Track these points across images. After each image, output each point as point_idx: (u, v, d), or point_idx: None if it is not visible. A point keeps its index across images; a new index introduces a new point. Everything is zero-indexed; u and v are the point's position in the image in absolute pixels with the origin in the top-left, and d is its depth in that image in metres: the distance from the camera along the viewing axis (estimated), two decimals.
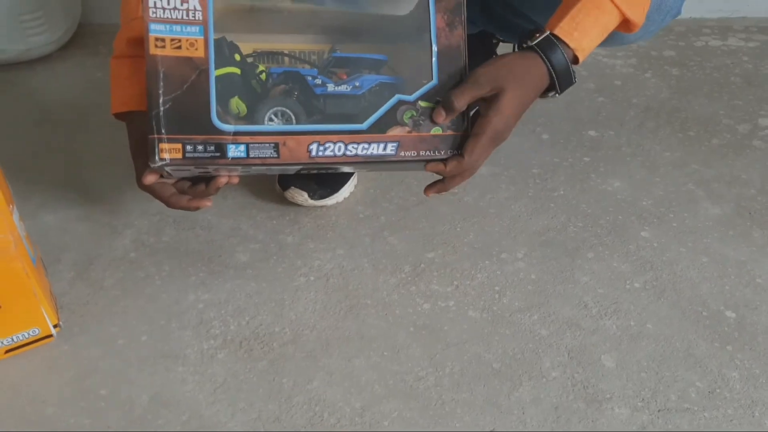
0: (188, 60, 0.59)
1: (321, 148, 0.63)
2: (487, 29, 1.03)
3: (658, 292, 0.78)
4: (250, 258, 0.81)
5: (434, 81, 0.65)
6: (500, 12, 0.96)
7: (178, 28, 0.59)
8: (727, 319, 0.75)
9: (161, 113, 0.59)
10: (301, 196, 0.86)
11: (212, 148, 0.60)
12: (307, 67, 0.63)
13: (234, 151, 0.60)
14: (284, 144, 0.62)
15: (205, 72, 0.60)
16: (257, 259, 0.81)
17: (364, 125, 0.63)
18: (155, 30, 0.59)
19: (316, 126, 0.63)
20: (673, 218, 0.88)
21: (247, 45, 0.62)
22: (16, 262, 0.64)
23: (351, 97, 0.63)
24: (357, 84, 0.63)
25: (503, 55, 0.65)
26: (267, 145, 0.61)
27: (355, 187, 0.91)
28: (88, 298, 0.76)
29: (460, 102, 0.63)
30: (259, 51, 0.62)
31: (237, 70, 0.61)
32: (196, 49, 0.60)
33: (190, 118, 0.59)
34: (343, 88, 0.63)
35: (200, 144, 0.59)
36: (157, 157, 0.59)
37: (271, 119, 0.62)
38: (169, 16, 0.59)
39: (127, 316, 0.74)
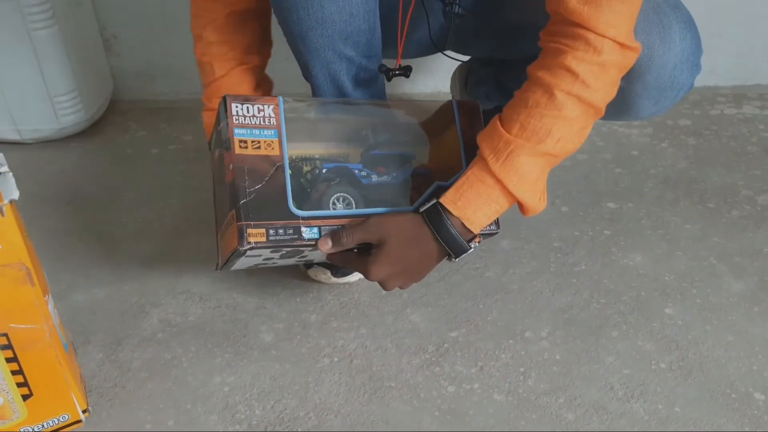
0: (266, 158, 0.70)
1: None
2: (502, 105, 1.06)
3: (685, 373, 0.77)
4: (275, 338, 0.82)
5: (464, 168, 0.75)
6: (514, 88, 0.99)
7: (257, 132, 0.70)
8: (756, 401, 0.74)
9: (248, 203, 0.68)
10: (324, 275, 0.87)
11: (291, 231, 0.69)
12: (353, 162, 0.75)
13: (308, 233, 0.70)
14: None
15: (281, 167, 0.70)
16: (281, 338, 0.82)
17: (412, 207, 0.74)
18: (239, 134, 0.70)
19: (375, 209, 0.73)
20: (696, 294, 0.88)
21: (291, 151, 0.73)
22: (49, 351, 0.65)
23: (391, 186, 0.75)
24: (395, 174, 0.76)
25: (402, 213, 0.72)
26: (335, 227, 0.71)
27: None
28: (116, 381, 0.77)
29: (348, 240, 0.70)
30: (299, 156, 0.74)
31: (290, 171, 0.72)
32: (273, 148, 0.70)
33: (271, 206, 0.69)
34: (384, 179, 0.75)
35: (281, 228, 0.69)
36: (245, 241, 0.67)
37: (334, 204, 0.72)
38: (250, 122, 0.70)
39: (154, 399, 0.75)
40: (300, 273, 0.90)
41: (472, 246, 0.70)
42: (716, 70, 1.34)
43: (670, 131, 1.23)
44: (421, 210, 0.70)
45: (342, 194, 0.73)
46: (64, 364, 0.67)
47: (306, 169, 0.73)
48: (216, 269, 0.77)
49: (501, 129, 0.67)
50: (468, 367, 0.78)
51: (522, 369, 0.78)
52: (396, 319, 0.85)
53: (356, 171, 0.74)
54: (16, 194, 0.65)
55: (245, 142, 0.70)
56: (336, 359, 0.79)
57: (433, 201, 0.69)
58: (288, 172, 0.70)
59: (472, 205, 0.68)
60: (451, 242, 0.69)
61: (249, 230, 0.68)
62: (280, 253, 0.72)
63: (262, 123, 0.71)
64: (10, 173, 0.65)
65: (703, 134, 1.22)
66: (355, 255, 0.72)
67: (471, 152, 0.73)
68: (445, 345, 0.81)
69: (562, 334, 0.82)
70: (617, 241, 0.96)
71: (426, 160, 0.78)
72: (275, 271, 0.91)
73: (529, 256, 0.94)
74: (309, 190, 0.72)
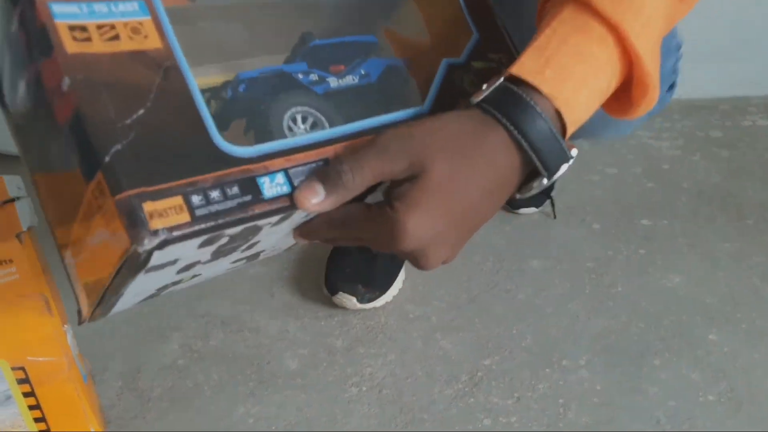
0: (139, 55, 0.36)
1: None
2: None
3: (735, 405, 0.73)
4: (299, 364, 0.79)
5: (475, 35, 0.48)
6: None
7: (103, 7, 0.36)
8: None
9: (125, 151, 0.34)
10: (350, 301, 0.83)
11: (235, 188, 0.36)
12: (283, 63, 0.42)
13: (270, 186, 0.37)
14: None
15: (174, 69, 0.37)
16: (306, 365, 0.79)
17: (425, 105, 0.44)
18: (63, 13, 0.35)
19: (372, 121, 0.42)
20: (741, 318, 0.83)
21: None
22: (68, 384, 0.62)
23: (365, 89, 0.43)
24: (363, 72, 0.44)
25: (438, 116, 0.41)
26: (315, 164, 0.39)
27: (403, 282, 0.89)
28: (136, 411, 0.74)
29: (358, 178, 0.38)
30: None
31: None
32: (146, 36, 0.37)
33: (177, 148, 0.36)
34: (348, 81, 0.43)
35: (214, 187, 0.36)
36: (147, 231, 0.33)
37: (290, 128, 0.40)
38: None
39: (175, 430, 0.71)
40: (323, 293, 0.86)
41: (572, 155, 0.41)
42: (747, 79, 1.30)
43: (702, 143, 1.19)
44: (478, 100, 0.40)
45: (300, 108, 0.41)
46: (83, 397, 0.64)
47: (215, 80, 0.39)
48: (80, 322, 0.44)
49: None
50: (504, 398, 0.74)
51: (561, 400, 0.74)
52: (425, 345, 0.81)
53: (299, 75, 0.42)
54: (34, 220, 0.62)
55: (84, 29, 0.35)
56: (364, 388, 0.76)
57: (500, 80, 0.40)
58: (189, 73, 0.37)
59: (571, 76, 0.39)
60: (544, 145, 0.39)
61: (147, 206, 0.34)
62: (216, 246, 0.38)
63: None
64: (28, 198, 0.62)
65: (736, 146, 1.18)
66: (370, 209, 0.39)
67: (481, 11, 0.49)
68: (479, 374, 0.77)
69: (601, 362, 0.78)
70: (654, 261, 0.93)
71: (397, 45, 0.46)
72: (297, 292, 0.88)
73: (562, 276, 0.90)
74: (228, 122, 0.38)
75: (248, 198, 0.37)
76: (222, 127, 0.38)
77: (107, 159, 0.34)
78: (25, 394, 0.61)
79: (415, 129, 0.39)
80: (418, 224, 0.37)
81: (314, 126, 0.41)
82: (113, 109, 0.35)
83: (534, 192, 0.42)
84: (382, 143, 0.38)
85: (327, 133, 0.41)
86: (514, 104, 0.39)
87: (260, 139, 0.39)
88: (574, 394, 0.74)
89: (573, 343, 0.81)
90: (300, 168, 0.39)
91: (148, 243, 0.33)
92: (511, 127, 0.39)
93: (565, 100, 0.39)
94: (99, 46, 0.36)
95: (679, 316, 0.84)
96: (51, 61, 0.35)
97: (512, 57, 0.49)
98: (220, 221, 0.36)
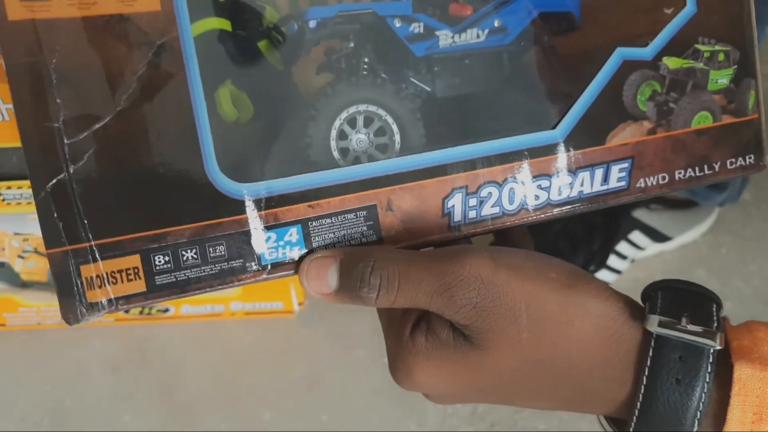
0: (122, 22, 0.25)
1: (472, 200, 0.29)
2: None
3: None
4: None
5: (689, 7, 0.30)
6: None
7: None
8: None
9: (71, 181, 0.25)
10: None
11: (221, 249, 0.26)
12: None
13: (274, 246, 0.26)
14: (389, 206, 0.28)
15: (172, 48, 0.25)
16: None
17: (558, 131, 0.29)
18: None
19: (459, 151, 0.28)
20: None
21: None
22: None
23: (488, 59, 0.29)
24: (497, 24, 0.28)
25: (558, 275, 0.27)
26: (351, 216, 0.27)
27: None
28: None
29: (383, 299, 0.26)
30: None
31: (224, 24, 0.26)
32: None
33: (155, 179, 0.25)
34: (472, 36, 0.28)
35: (190, 244, 0.26)
36: (78, 305, 0.25)
37: (343, 135, 0.27)
38: None
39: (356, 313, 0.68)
40: None
41: None
42: None
43: None
44: (652, 327, 0.25)
45: (366, 109, 0.27)
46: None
47: (271, 16, 0.27)
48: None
49: None
50: None
51: None
52: None
53: (396, 23, 0.27)
54: None
55: None
56: None
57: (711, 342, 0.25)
58: (194, 56, 0.25)
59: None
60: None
61: (88, 268, 0.25)
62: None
63: None
64: None
65: None
66: (391, 317, 0.29)
67: None
68: None
69: None
70: None
71: None
72: None
73: None
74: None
75: (237, 264, 0.26)
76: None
77: (42, 194, 0.24)
78: None
79: (506, 287, 0.26)
80: (429, 383, 0.28)
81: (379, 133, 0.28)
82: (66, 113, 0.24)
83: None
84: (447, 279, 0.26)
85: (385, 165, 0.27)
86: (693, 367, 0.25)
87: (290, 156, 0.26)
88: None
89: None
90: (328, 220, 0.27)
91: (80, 318, 0.25)
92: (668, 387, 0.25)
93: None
94: (61, 8, 0.24)
95: None
96: None
97: (747, 57, 0.31)
98: (188, 291, 0.26)
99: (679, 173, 0.31)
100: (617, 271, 0.73)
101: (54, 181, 0.24)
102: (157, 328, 0.68)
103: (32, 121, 0.24)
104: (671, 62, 0.30)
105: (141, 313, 0.67)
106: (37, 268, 0.61)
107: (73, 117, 0.24)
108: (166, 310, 0.67)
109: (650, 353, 0.25)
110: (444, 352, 0.27)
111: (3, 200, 0.53)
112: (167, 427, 0.62)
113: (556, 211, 0.30)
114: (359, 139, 0.27)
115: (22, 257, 0.60)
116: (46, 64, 0.23)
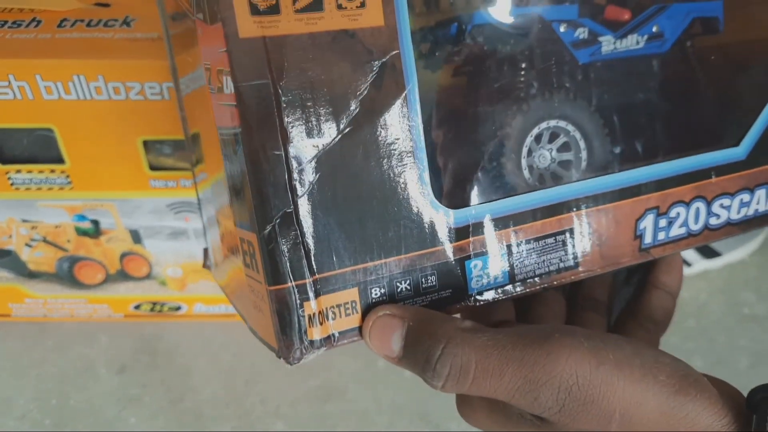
0: (346, 38, 0.23)
1: (662, 221, 0.27)
2: None
3: None
4: None
5: None
6: None
7: None
8: None
9: (296, 213, 0.23)
10: None
11: (432, 279, 0.25)
12: (542, 3, 0.25)
13: (480, 274, 0.25)
14: (583, 233, 0.26)
15: (394, 66, 0.23)
16: None
17: (741, 147, 0.27)
18: None
19: (651, 170, 0.27)
20: None
21: None
22: None
23: (643, 66, 0.26)
24: (656, 29, 0.26)
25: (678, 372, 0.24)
26: (551, 242, 0.25)
27: None
28: None
29: (447, 384, 0.24)
30: None
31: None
32: (362, 3, 0.22)
33: (374, 206, 0.24)
34: (632, 43, 0.26)
35: (404, 275, 0.25)
36: (299, 342, 0.25)
37: (531, 152, 0.25)
38: None
39: None
40: None
41: None
42: None
43: None
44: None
45: (556, 125, 0.25)
46: None
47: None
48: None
49: None
50: None
51: None
52: None
53: (562, 29, 0.25)
54: None
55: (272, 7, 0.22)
56: None
57: None
58: (415, 79, 0.24)
59: None
60: None
61: (310, 305, 0.24)
62: None
63: None
64: None
65: None
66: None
67: None
68: None
69: None
70: None
71: None
72: None
73: None
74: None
75: (446, 294, 0.25)
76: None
77: (267, 229, 0.23)
78: None
79: (604, 389, 0.22)
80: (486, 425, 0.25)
81: (563, 148, 0.25)
82: (294, 140, 0.22)
83: None
84: (535, 374, 0.22)
85: (580, 186, 0.25)
86: None
87: (493, 166, 0.24)
88: None
89: None
90: (529, 245, 0.25)
91: (302, 357, 0.25)
92: None
93: None
94: (289, 24, 0.22)
95: None
96: (210, 33, 0.21)
97: None
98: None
99: None
100: None
101: (281, 213, 0.23)
102: (168, 326, 0.66)
103: (262, 150, 0.22)
104: None
105: (152, 310, 0.64)
106: (45, 257, 0.58)
107: (300, 144, 0.23)
108: (178, 308, 0.64)
109: None
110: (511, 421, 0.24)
111: (12, 185, 0.51)
112: None
113: (735, 230, 0.30)
114: (541, 155, 0.26)
115: (29, 246, 0.57)
116: (275, 85, 0.22)
